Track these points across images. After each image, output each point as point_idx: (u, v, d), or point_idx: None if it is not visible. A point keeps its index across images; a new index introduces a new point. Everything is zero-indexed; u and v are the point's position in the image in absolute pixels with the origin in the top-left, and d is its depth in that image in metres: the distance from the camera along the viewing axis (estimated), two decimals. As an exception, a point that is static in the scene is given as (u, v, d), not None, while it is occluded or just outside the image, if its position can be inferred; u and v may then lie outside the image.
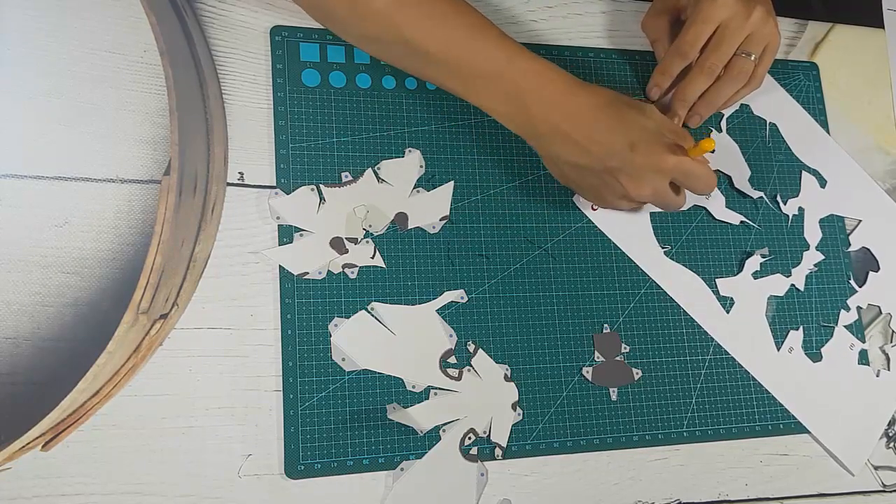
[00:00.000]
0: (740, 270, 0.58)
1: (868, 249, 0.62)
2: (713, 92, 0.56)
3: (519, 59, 0.47)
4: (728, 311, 0.57)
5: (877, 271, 0.62)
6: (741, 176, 0.60)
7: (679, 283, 0.56)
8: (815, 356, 0.58)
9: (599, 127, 0.47)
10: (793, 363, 0.57)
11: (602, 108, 0.47)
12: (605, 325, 0.54)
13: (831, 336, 0.59)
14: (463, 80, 0.48)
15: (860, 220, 0.62)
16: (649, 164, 0.47)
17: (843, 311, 0.60)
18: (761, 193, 0.60)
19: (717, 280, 0.57)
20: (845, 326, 0.59)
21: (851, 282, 0.61)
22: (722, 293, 0.57)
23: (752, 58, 0.55)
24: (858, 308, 0.60)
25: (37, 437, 0.38)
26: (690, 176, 0.49)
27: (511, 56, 0.47)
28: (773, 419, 0.56)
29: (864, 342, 0.59)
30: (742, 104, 0.61)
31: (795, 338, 0.58)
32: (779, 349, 0.57)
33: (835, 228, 0.62)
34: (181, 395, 0.46)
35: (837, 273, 0.61)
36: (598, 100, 0.47)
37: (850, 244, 0.62)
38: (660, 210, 0.56)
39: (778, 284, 0.59)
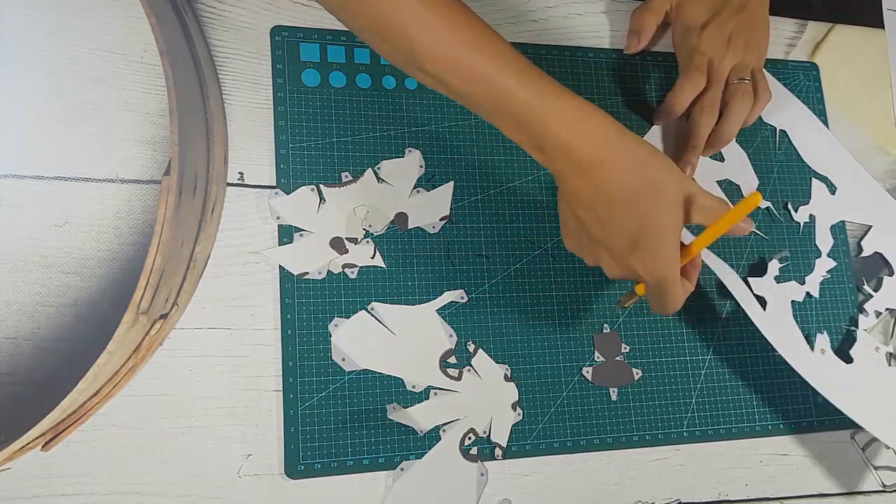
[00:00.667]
0: (765, 273, 0.58)
1: (881, 254, 0.62)
2: (723, 125, 0.55)
3: (549, 99, 0.41)
4: (764, 309, 0.57)
5: (891, 275, 0.62)
6: (749, 186, 0.60)
7: (726, 273, 0.55)
8: (847, 358, 0.58)
9: (614, 208, 0.42)
10: (827, 363, 0.57)
11: (625, 190, 0.42)
12: (605, 325, 0.54)
13: (856, 339, 0.59)
14: (489, 116, 0.42)
15: (871, 226, 0.62)
16: (635, 266, 0.43)
17: (861, 317, 0.60)
18: (768, 203, 0.60)
19: (748, 279, 0.57)
20: (865, 330, 0.60)
21: (866, 287, 0.61)
22: (755, 292, 0.57)
23: (746, 80, 0.55)
24: (877, 312, 0.60)
25: (37, 437, 0.38)
26: (660, 295, 0.44)
27: (542, 94, 0.41)
28: (773, 419, 0.56)
29: (887, 345, 0.60)
30: None
31: (823, 340, 0.58)
32: (812, 350, 0.57)
33: (844, 235, 0.62)
34: (181, 395, 0.46)
35: (849, 279, 0.61)
36: (626, 177, 0.41)
37: (861, 250, 0.62)
38: None
39: (796, 291, 0.59)
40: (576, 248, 0.48)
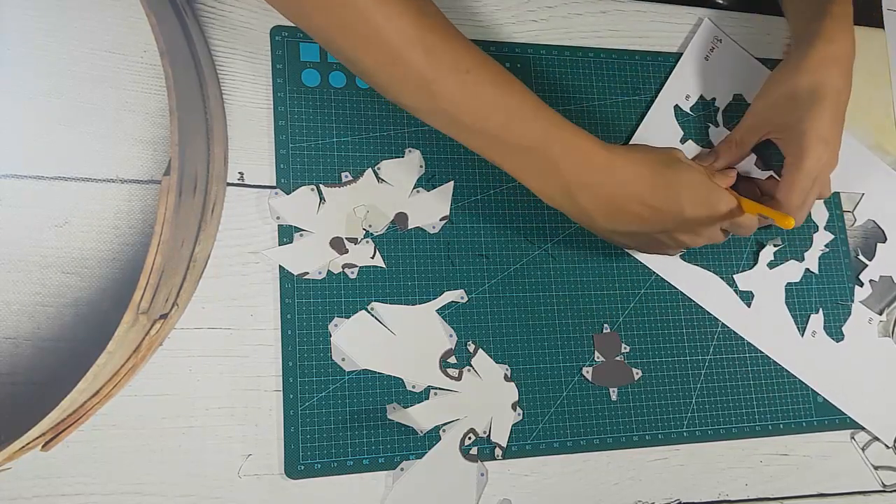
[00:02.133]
0: (755, 263, 0.58)
1: (874, 221, 0.62)
2: None
3: (555, 131, 0.44)
4: (749, 305, 0.57)
5: (884, 242, 0.62)
6: (747, 161, 0.60)
7: (699, 284, 0.57)
8: (838, 336, 0.58)
9: (647, 194, 0.46)
10: (818, 346, 0.58)
11: (645, 173, 0.47)
12: (605, 325, 0.54)
13: (850, 314, 0.59)
14: (500, 154, 0.45)
15: (863, 194, 0.62)
16: (703, 220, 0.49)
17: (857, 287, 0.60)
18: (770, 172, 0.60)
19: (734, 276, 0.57)
20: (861, 302, 0.60)
21: (861, 256, 0.61)
22: (741, 288, 0.57)
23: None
24: (871, 281, 0.60)
25: (37, 437, 0.38)
26: (739, 226, 0.51)
27: (547, 129, 0.44)
28: (774, 419, 0.56)
29: (881, 315, 0.60)
30: (734, 94, 0.61)
31: (817, 321, 0.58)
32: (802, 335, 0.58)
33: (837, 205, 0.62)
34: (181, 395, 0.46)
35: (845, 250, 0.61)
36: (639, 167, 0.47)
37: (854, 219, 0.62)
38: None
39: (793, 271, 0.59)
40: (651, 250, 0.53)
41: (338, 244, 0.51)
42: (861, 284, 0.60)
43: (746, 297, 0.57)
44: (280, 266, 0.49)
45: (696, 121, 0.60)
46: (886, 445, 0.57)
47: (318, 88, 0.53)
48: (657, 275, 0.56)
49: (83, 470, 0.44)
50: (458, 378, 0.51)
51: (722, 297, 0.57)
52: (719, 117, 0.61)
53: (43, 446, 0.41)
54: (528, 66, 0.58)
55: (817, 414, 0.57)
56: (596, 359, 0.54)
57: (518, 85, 0.44)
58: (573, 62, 0.59)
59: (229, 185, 0.50)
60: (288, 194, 0.50)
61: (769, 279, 0.58)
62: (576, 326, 0.54)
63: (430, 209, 0.53)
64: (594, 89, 0.59)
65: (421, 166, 0.53)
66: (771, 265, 0.59)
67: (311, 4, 0.40)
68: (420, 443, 0.49)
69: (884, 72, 0.67)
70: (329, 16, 0.40)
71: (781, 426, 0.56)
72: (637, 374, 0.54)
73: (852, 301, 0.60)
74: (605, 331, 0.54)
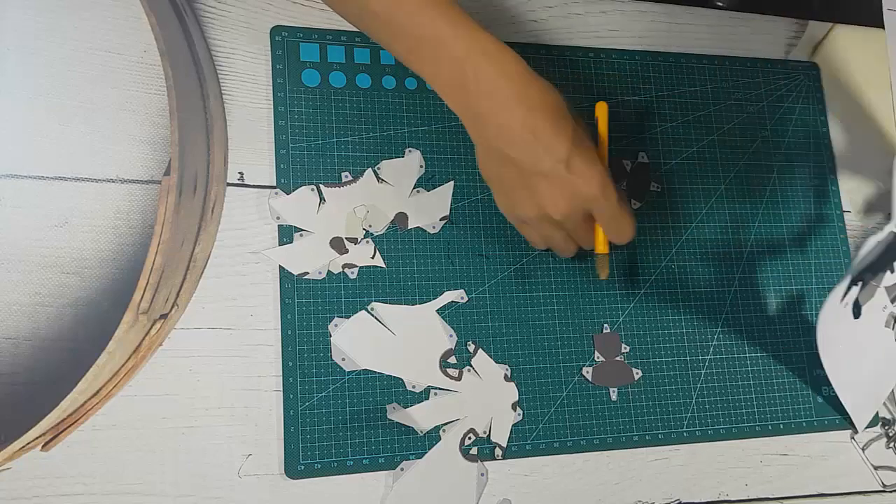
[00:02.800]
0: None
1: None
2: None
3: (465, 30, 0.43)
4: None
5: None
6: None
7: None
8: (857, 311, 0.57)
9: (544, 125, 0.43)
10: (843, 315, 0.55)
11: (551, 108, 0.44)
12: (605, 325, 0.54)
13: (873, 295, 0.58)
14: (406, 44, 0.44)
15: None
16: (577, 182, 0.44)
17: (888, 273, 0.58)
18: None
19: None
20: (886, 287, 0.59)
21: None
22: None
23: None
24: None
25: (37, 437, 0.38)
26: (612, 217, 0.46)
27: (457, 25, 0.43)
28: (774, 419, 0.56)
29: (894, 304, 0.59)
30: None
31: (854, 292, 0.55)
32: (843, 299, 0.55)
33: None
34: (181, 395, 0.46)
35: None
36: (549, 98, 0.44)
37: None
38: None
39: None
40: (510, 199, 0.47)
41: (338, 244, 0.51)
42: (892, 271, 0.58)
43: None
44: (280, 266, 0.49)
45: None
46: (856, 430, 0.57)
47: (318, 88, 0.53)
48: (657, 275, 0.56)
49: (83, 470, 0.44)
50: (458, 378, 0.51)
51: None
52: None
53: (43, 446, 0.41)
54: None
55: (817, 414, 0.57)
56: (596, 359, 0.54)
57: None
58: (573, 62, 0.59)
59: (229, 185, 0.50)
60: (288, 194, 0.50)
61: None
62: (576, 326, 0.54)
63: (430, 209, 0.53)
64: (594, 89, 0.59)
65: (421, 166, 0.53)
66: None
67: None
68: (420, 443, 0.49)
69: (884, 72, 0.67)
70: None
71: (781, 426, 0.56)
72: (637, 374, 0.54)
73: (880, 284, 0.58)
74: (605, 331, 0.54)
